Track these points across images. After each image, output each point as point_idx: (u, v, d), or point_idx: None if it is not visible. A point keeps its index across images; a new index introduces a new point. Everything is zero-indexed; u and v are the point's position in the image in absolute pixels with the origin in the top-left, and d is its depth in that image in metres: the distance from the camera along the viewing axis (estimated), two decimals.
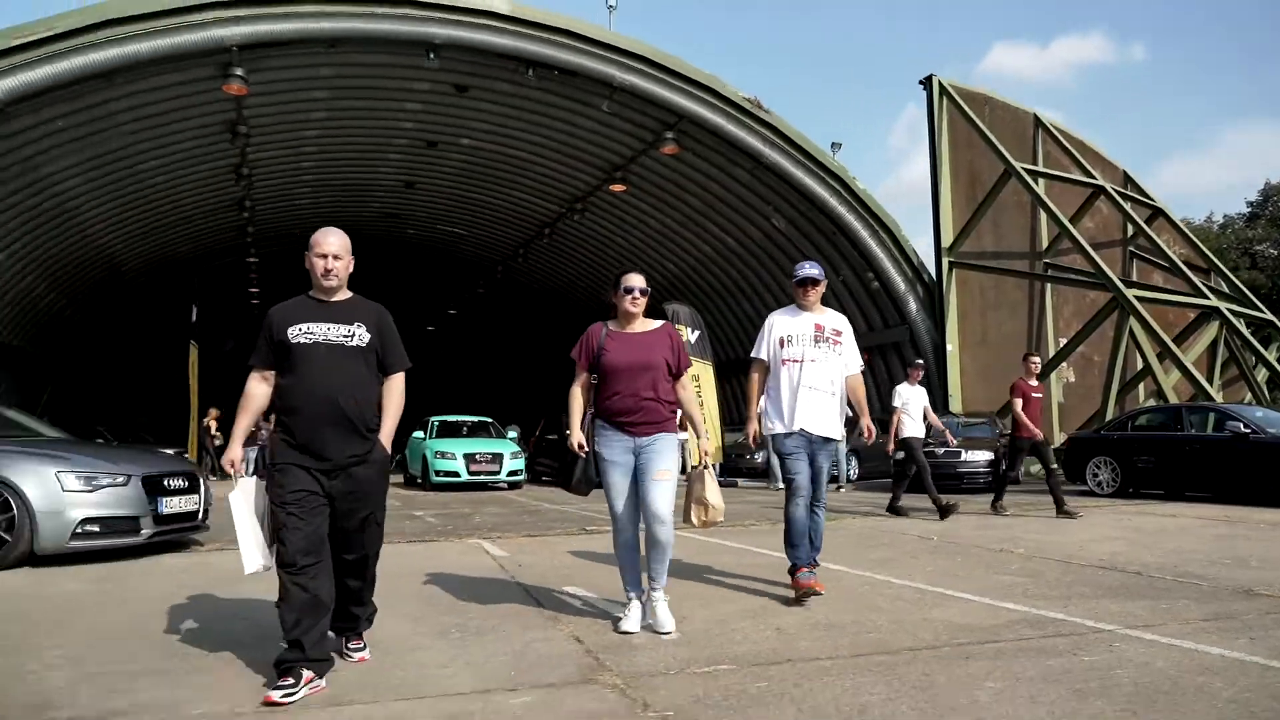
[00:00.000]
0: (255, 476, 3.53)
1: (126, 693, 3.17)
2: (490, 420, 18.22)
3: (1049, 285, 18.72)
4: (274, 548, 3.36)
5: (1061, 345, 17.90)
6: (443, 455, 15.02)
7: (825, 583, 4.76)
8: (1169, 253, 18.82)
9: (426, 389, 38.30)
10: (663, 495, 4.03)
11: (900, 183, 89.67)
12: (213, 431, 20.58)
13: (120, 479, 6.28)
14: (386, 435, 3.51)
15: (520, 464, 15.51)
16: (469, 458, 14.97)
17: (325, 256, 3.46)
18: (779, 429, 4.81)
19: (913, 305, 18.53)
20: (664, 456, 4.07)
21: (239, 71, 14.78)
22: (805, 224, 19.24)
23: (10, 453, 6.15)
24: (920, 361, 10.84)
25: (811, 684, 3.16)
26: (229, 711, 2.96)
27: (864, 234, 18.60)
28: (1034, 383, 9.41)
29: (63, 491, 6.00)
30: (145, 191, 19.06)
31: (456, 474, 14.83)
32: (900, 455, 9.47)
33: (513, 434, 17.56)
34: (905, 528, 8.31)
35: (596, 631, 4.08)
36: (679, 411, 4.22)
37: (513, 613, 4.52)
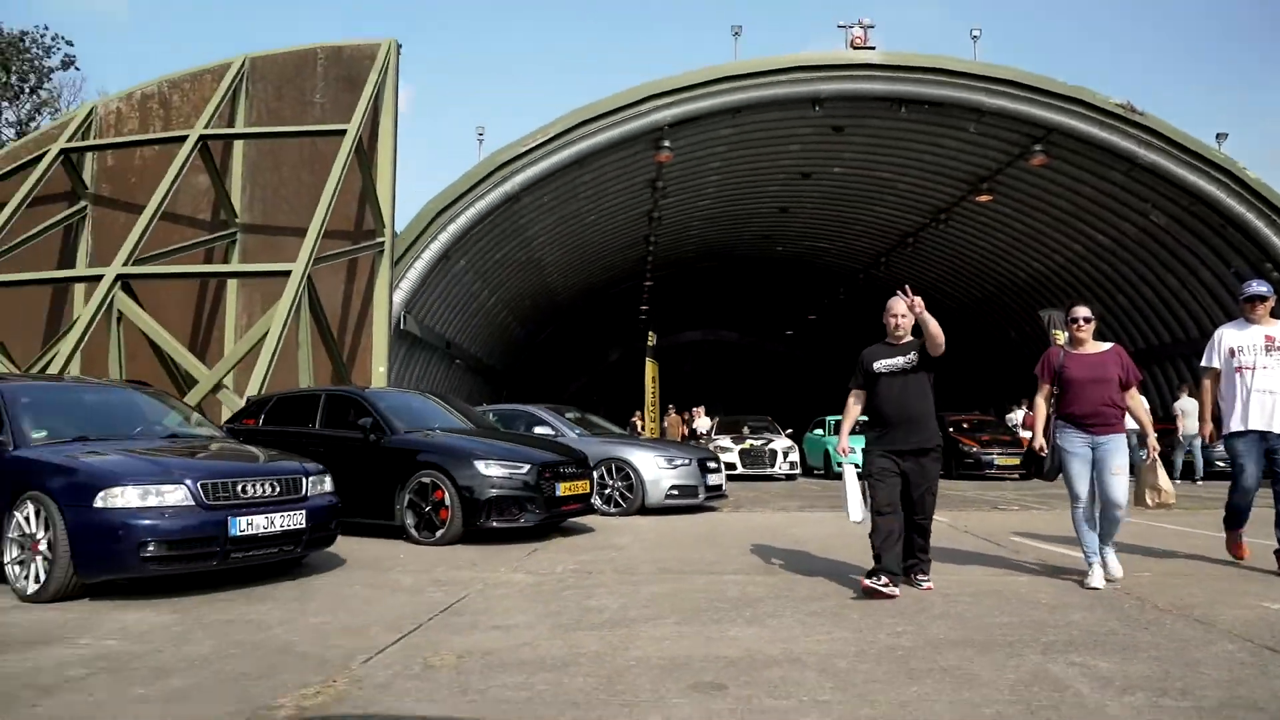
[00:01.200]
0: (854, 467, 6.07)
1: (772, 573, 6.22)
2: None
3: None
4: (867, 505, 5.66)
5: None
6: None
7: None
8: None
9: (792, 390, 41.86)
10: (1119, 486, 5.24)
11: None
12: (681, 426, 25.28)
13: (687, 460, 9.84)
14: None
15: None
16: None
17: (895, 317, 5.37)
18: (1233, 429, 5.71)
19: None
20: (1118, 454, 5.27)
21: (666, 143, 18.83)
22: (1189, 218, 19.28)
23: (625, 443, 9.97)
24: None
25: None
26: (835, 590, 5.74)
27: (1259, 224, 18.28)
28: None
29: (659, 468, 9.65)
30: (583, 238, 24.26)
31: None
32: None
33: None
34: None
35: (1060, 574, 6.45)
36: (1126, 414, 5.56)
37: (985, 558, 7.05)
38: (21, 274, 14.51)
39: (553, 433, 10.19)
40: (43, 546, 4.93)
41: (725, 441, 17.65)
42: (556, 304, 30.02)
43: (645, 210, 23.80)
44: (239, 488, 5.27)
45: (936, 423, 5.50)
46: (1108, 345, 5.54)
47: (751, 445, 17.48)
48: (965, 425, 19.24)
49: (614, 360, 45.48)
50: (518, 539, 7.50)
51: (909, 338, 5.47)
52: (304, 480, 5.70)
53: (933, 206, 24.16)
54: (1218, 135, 19.24)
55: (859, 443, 5.62)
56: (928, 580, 5.40)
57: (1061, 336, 7.01)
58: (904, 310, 5.34)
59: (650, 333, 25.00)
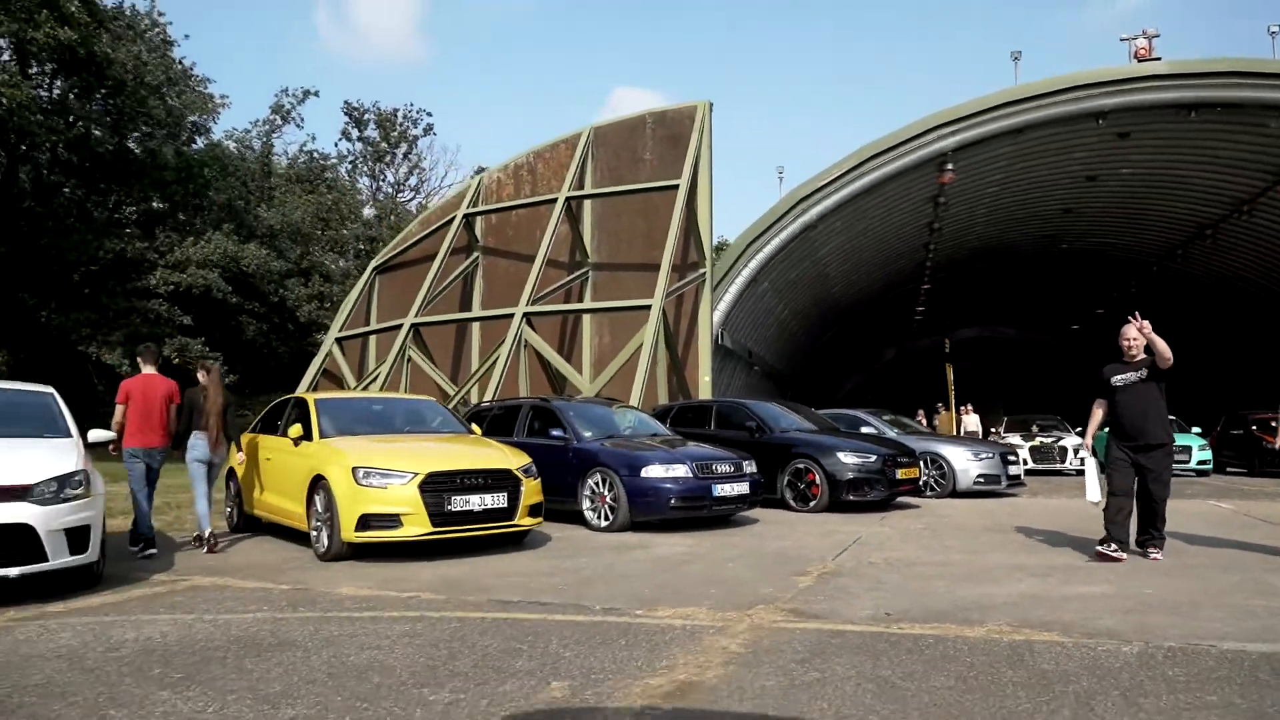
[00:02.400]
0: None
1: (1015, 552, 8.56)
2: (1172, 417, 21.28)
3: None
4: (1104, 490, 7.87)
5: None
6: None
7: None
8: None
9: (1075, 386, 41.14)
10: None
11: None
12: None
13: (991, 454, 12.21)
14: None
15: (1208, 455, 18.54)
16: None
17: (1126, 340, 6.86)
18: None
19: None
20: None
21: (949, 166, 20.82)
22: None
23: (937, 439, 12.56)
24: None
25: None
26: (1070, 564, 7.99)
27: None
28: None
29: (967, 460, 12.12)
30: (867, 250, 26.63)
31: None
32: None
33: (1196, 430, 20.36)
34: None
35: None
36: None
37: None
38: (452, 315, 19.65)
39: (875, 431, 12.98)
40: (607, 500, 8.55)
41: (1015, 439, 19.37)
42: (838, 309, 32.53)
43: (926, 222, 25.71)
44: (714, 467, 8.64)
45: (1168, 423, 6.81)
46: None
47: (1041, 442, 19.08)
48: (1273, 423, 19.40)
49: (889, 359, 47.06)
50: (867, 510, 10.38)
51: (1141, 355, 6.80)
52: (744, 464, 8.99)
53: (1234, 198, 23.91)
54: None
55: (1101, 442, 7.62)
56: (1158, 553, 6.73)
57: None
58: (1134, 334, 6.71)
59: (946, 339, 26.55)
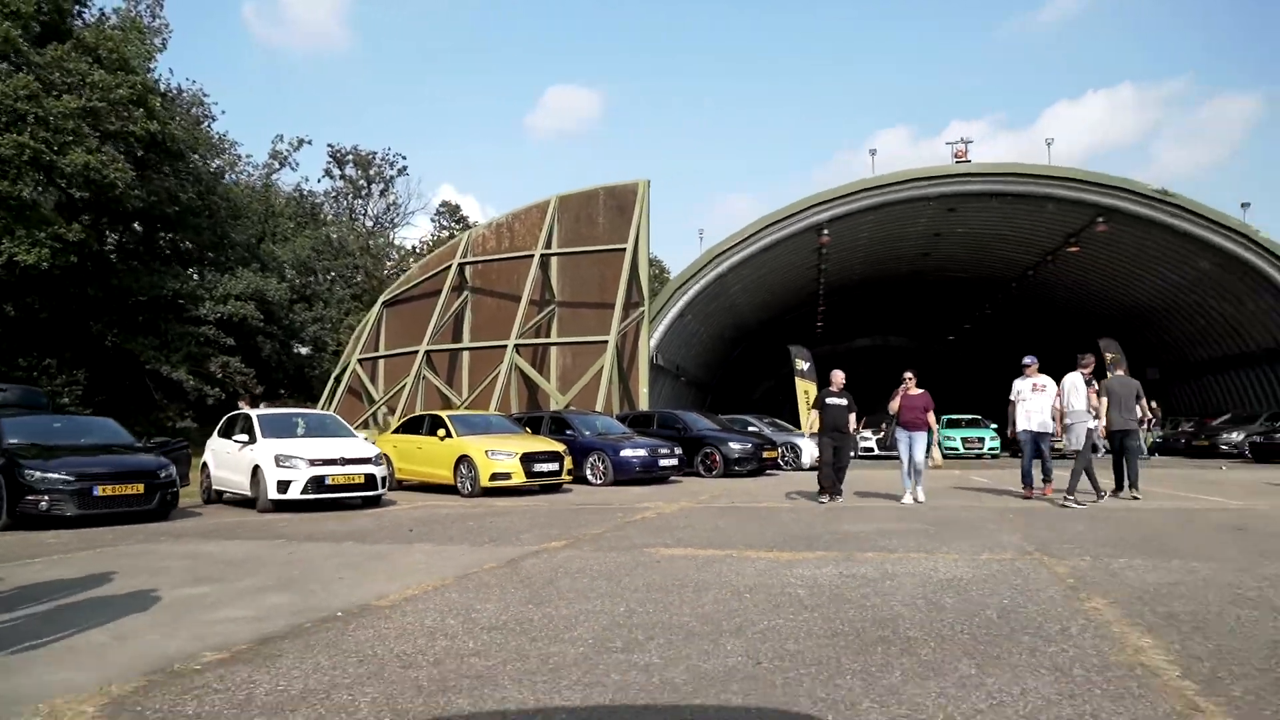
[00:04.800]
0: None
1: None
2: (979, 417, 29.73)
3: None
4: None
5: None
6: (948, 440, 27.17)
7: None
8: None
9: (951, 389, 50.08)
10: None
11: None
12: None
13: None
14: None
15: (997, 443, 26.82)
16: (965, 440, 26.88)
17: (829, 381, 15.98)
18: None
19: None
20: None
21: (825, 231, 28.77)
22: (1217, 272, 27.01)
23: (791, 433, 20.28)
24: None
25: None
26: (807, 491, 15.70)
27: (1273, 272, 25.83)
28: None
29: (810, 447, 19.89)
30: (769, 286, 34.51)
31: (957, 450, 26.84)
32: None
33: (994, 425, 28.71)
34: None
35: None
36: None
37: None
38: (456, 345, 26.76)
39: (757, 429, 20.63)
40: (601, 469, 15.96)
41: (867, 433, 27.39)
42: (749, 329, 40.48)
43: (815, 264, 33.78)
44: (659, 450, 16.14)
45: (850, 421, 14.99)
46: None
47: (887, 435, 27.16)
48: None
49: (804, 372, 55.31)
50: (746, 476, 17.93)
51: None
52: (675, 449, 16.52)
53: (1042, 250, 32.63)
54: (1243, 204, 26.88)
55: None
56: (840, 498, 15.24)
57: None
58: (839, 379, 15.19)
59: (798, 360, 32.34)
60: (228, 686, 3.67)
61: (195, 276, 29.17)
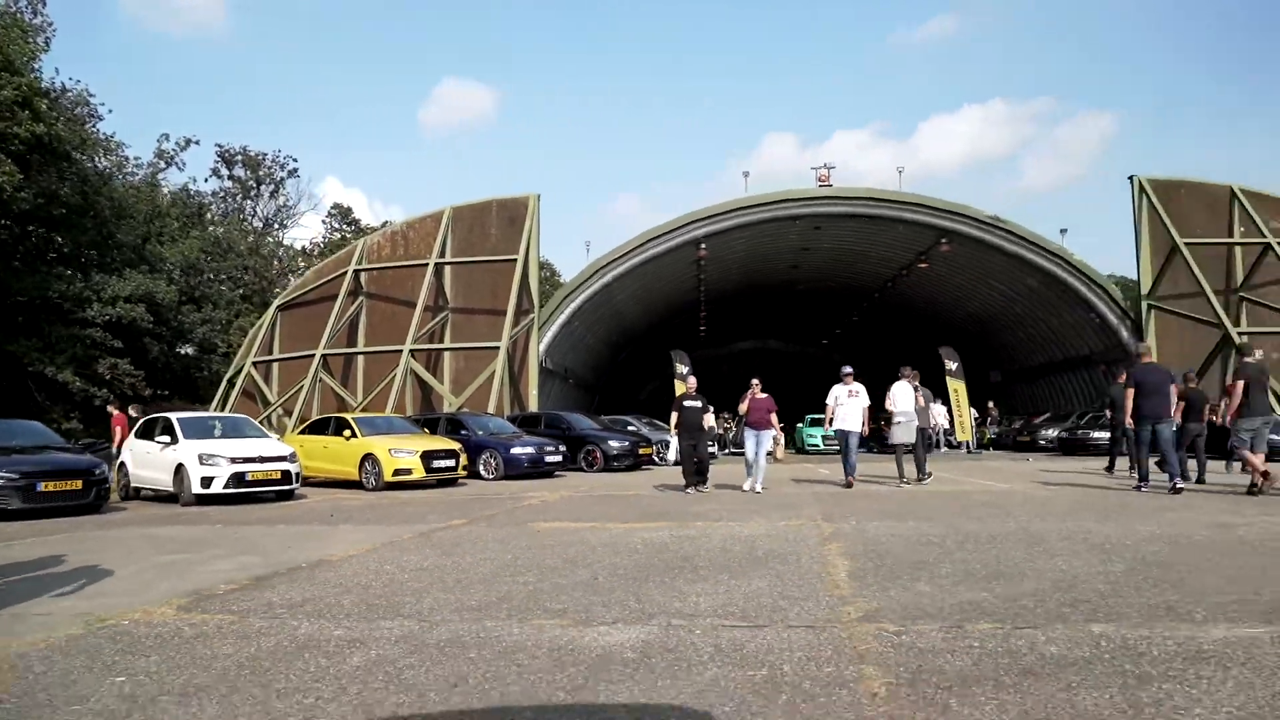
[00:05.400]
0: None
1: None
2: None
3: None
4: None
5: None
6: (811, 437, 30.21)
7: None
8: None
9: (825, 390, 54.04)
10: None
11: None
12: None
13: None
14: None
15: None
16: (825, 437, 29.98)
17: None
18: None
19: (1124, 334, 29.37)
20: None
21: (703, 246, 31.42)
22: (1042, 289, 31.01)
23: (667, 432, 22.79)
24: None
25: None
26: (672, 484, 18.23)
27: (1083, 289, 29.89)
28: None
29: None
30: (652, 294, 37.01)
31: (818, 446, 29.90)
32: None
33: None
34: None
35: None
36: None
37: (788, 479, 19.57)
38: (352, 348, 28.15)
39: (635, 429, 22.98)
40: (493, 465, 17.96)
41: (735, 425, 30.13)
42: (634, 334, 42.99)
43: (695, 274, 36.51)
44: (545, 448, 18.25)
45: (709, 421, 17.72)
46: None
47: (736, 434, 30.05)
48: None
49: (683, 375, 58.20)
50: (627, 470, 20.19)
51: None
52: (560, 446, 18.67)
53: (900, 263, 36.25)
54: (1061, 230, 30.91)
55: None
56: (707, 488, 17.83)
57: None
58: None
59: (679, 364, 34.77)
60: (249, 598, 5.65)
61: (81, 278, 29.49)
